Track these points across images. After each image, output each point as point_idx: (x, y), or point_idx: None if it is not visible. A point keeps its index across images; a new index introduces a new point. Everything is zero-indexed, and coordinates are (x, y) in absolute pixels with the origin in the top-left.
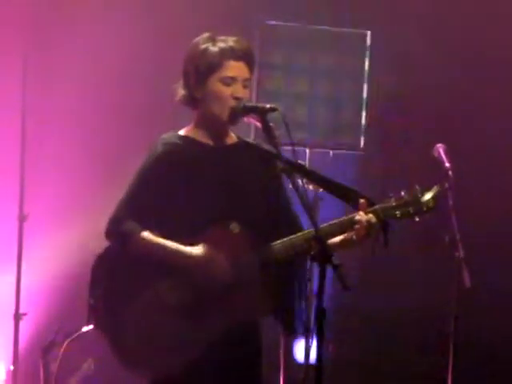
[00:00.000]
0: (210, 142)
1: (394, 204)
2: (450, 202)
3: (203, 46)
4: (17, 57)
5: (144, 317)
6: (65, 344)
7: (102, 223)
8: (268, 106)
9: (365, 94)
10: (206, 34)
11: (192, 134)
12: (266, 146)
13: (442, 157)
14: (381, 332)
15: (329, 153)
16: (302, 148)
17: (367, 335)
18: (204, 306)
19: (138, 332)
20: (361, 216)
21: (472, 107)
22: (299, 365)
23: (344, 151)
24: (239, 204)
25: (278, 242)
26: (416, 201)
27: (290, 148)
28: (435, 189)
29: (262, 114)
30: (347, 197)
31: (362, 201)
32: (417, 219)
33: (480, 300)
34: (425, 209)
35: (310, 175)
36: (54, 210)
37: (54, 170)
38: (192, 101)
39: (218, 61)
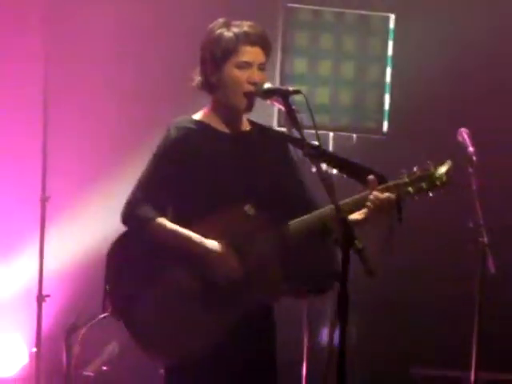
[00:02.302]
0: (224, 128)
1: (406, 180)
2: (474, 187)
3: (218, 32)
4: (39, 37)
5: (159, 303)
6: (88, 326)
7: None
8: (291, 88)
9: (388, 78)
10: (220, 20)
11: (206, 119)
12: (280, 130)
13: (465, 141)
14: (405, 318)
15: (352, 137)
16: (325, 131)
17: (391, 320)
18: (218, 294)
19: (154, 318)
20: (373, 194)
21: (496, 91)
22: (323, 348)
23: (367, 135)
24: (253, 190)
25: (295, 221)
26: (429, 176)
27: (312, 131)
28: (448, 163)
29: (284, 96)
30: (361, 176)
31: (371, 177)
32: (430, 194)
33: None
34: (438, 183)
35: (325, 156)
36: (75, 193)
37: (76, 152)
38: (208, 86)
39: (232, 46)
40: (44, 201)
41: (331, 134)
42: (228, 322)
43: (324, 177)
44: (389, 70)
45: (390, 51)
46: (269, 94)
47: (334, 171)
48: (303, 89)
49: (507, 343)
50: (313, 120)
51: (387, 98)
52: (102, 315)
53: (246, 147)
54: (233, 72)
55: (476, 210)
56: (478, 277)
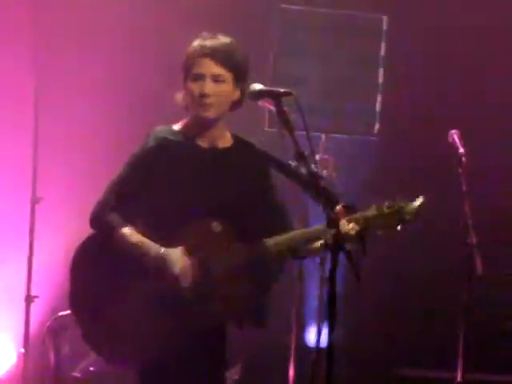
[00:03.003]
0: (202, 142)
1: (375, 213)
2: (464, 188)
3: (191, 45)
4: (28, 37)
5: (117, 309)
6: (74, 327)
7: None
8: (282, 90)
9: (380, 79)
10: (201, 34)
11: (186, 130)
12: (262, 149)
13: (456, 142)
14: (392, 318)
15: (343, 138)
16: (317, 133)
17: (378, 321)
18: (172, 308)
19: (111, 323)
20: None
21: (488, 93)
22: (310, 349)
23: (359, 136)
24: (223, 207)
25: (269, 240)
26: (399, 210)
27: (304, 132)
28: (420, 199)
29: (276, 98)
30: (329, 202)
31: (339, 207)
32: (398, 228)
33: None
34: (407, 218)
35: (295, 176)
36: (66, 194)
37: (67, 153)
38: (185, 101)
39: (189, 59)
40: (34, 202)
41: (323, 136)
42: (180, 333)
43: (316, 178)
44: (381, 71)
45: (382, 52)
46: (260, 95)
47: (325, 172)
48: (295, 90)
49: (494, 344)
50: (304, 121)
51: (379, 100)
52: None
53: (222, 164)
54: (188, 85)
55: (465, 211)
56: (465, 277)
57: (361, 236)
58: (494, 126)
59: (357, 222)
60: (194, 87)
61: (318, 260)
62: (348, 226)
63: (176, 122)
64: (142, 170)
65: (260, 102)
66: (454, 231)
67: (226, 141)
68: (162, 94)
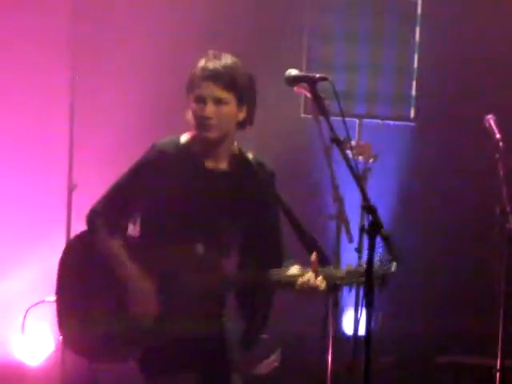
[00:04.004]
0: (205, 161)
1: (344, 272)
2: (501, 173)
3: (190, 70)
4: (66, 25)
5: (94, 305)
6: None
7: None
8: (318, 75)
9: (415, 64)
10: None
11: (191, 145)
12: (267, 167)
13: (492, 128)
14: (430, 305)
15: (379, 123)
16: (352, 118)
17: (416, 309)
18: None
19: (86, 318)
20: (307, 275)
21: None
22: (348, 337)
23: (394, 121)
24: (213, 229)
25: (256, 271)
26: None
27: (339, 118)
28: (393, 265)
29: (311, 83)
30: (308, 247)
31: (314, 257)
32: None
33: None
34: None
35: (291, 217)
36: (102, 182)
37: (102, 141)
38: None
39: (191, 81)
40: (71, 189)
41: (358, 121)
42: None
43: (351, 163)
44: (416, 56)
45: (417, 37)
46: (295, 81)
47: (361, 158)
48: (330, 75)
49: None
50: (339, 107)
51: (414, 85)
52: None
53: (220, 186)
54: (192, 106)
55: (503, 196)
56: (503, 263)
57: (329, 289)
58: None
59: (324, 277)
60: (196, 109)
61: (355, 246)
62: (316, 280)
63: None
64: (140, 181)
65: (296, 88)
66: (491, 217)
67: (230, 161)
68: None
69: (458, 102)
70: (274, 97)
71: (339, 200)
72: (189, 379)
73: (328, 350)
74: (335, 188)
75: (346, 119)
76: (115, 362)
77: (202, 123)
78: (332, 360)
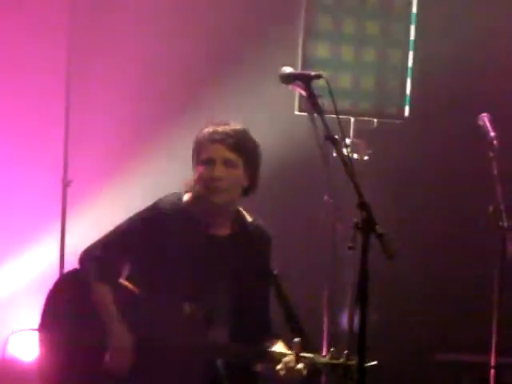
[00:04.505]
0: (206, 226)
1: (327, 360)
2: (495, 172)
3: (196, 136)
4: (63, 20)
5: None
6: None
7: (146, 190)
8: (313, 73)
9: (410, 63)
10: (211, 121)
11: (192, 208)
12: (265, 233)
13: (487, 126)
14: (426, 302)
15: (372, 121)
16: (347, 116)
17: (412, 307)
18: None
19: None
20: (287, 359)
21: None
22: (343, 334)
23: (388, 120)
24: (206, 292)
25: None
26: (346, 366)
27: (334, 116)
28: (372, 363)
29: (306, 81)
30: (292, 328)
31: (297, 341)
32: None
33: None
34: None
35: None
36: (97, 177)
37: (98, 136)
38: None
39: (198, 146)
40: (66, 184)
41: (352, 119)
42: None
43: (345, 160)
44: (411, 55)
45: (412, 35)
46: (290, 78)
47: (356, 155)
48: (325, 73)
49: None
50: (334, 105)
51: (409, 83)
52: None
53: (217, 251)
54: (198, 169)
55: (497, 195)
56: (497, 261)
57: (310, 374)
58: None
59: (306, 363)
60: (205, 171)
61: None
62: (294, 368)
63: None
64: (136, 235)
65: (290, 86)
66: (485, 215)
67: (230, 227)
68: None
69: (453, 101)
70: (268, 94)
71: (334, 197)
72: None
73: (323, 346)
74: (330, 185)
75: (341, 117)
76: None
77: (210, 186)
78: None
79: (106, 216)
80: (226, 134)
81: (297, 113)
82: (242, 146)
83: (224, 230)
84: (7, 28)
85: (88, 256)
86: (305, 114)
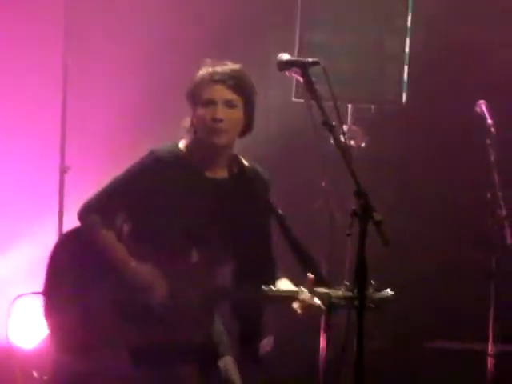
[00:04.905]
0: (204, 170)
1: (340, 294)
2: (492, 159)
3: (197, 72)
4: (59, 13)
5: (87, 305)
6: None
7: None
8: (310, 60)
9: (407, 49)
10: (205, 61)
11: (190, 153)
12: (263, 175)
13: (484, 113)
14: (421, 290)
15: (370, 108)
16: (344, 103)
17: (408, 294)
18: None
19: (79, 316)
20: (303, 295)
21: None
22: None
23: (386, 106)
24: (209, 237)
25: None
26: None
27: (331, 103)
28: (388, 293)
29: (303, 67)
30: (305, 265)
31: (310, 276)
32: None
33: None
34: (370, 306)
35: (285, 230)
36: (95, 164)
37: (97, 123)
38: (192, 128)
39: (197, 86)
40: (63, 171)
41: (350, 106)
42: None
43: (342, 147)
44: (408, 41)
45: (409, 22)
46: (287, 65)
47: (352, 143)
48: (322, 60)
49: None
50: (331, 91)
51: (406, 69)
52: None
53: (218, 195)
54: (199, 110)
55: (494, 182)
56: (495, 248)
57: (325, 310)
58: None
59: (321, 297)
60: (206, 113)
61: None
62: (310, 301)
63: None
64: (135, 186)
65: (287, 72)
66: (482, 202)
67: (228, 170)
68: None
69: (450, 87)
70: (265, 81)
71: (331, 184)
72: (186, 371)
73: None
74: (326, 172)
75: (338, 104)
76: (108, 357)
77: (211, 127)
78: (325, 346)
79: None
80: (227, 75)
81: (294, 99)
82: (242, 86)
83: (222, 173)
84: (4, 16)
85: (88, 209)
86: (302, 100)
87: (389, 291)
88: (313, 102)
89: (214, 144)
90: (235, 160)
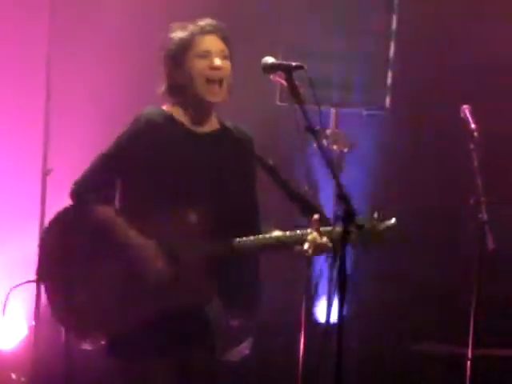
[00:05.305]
0: (192, 126)
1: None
2: (475, 164)
3: (174, 33)
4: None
5: (90, 283)
6: None
7: None
8: (294, 63)
9: (391, 53)
10: (176, 24)
11: (177, 114)
12: (247, 132)
13: (467, 118)
14: (404, 294)
15: (355, 111)
16: (327, 107)
17: (388, 297)
18: (144, 287)
19: (79, 295)
20: (312, 236)
21: (500, 67)
22: (320, 325)
23: (370, 110)
24: (209, 192)
25: (246, 239)
26: (370, 228)
27: (315, 107)
28: (392, 222)
29: (287, 71)
30: (307, 211)
31: (315, 217)
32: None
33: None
34: (376, 239)
35: (279, 180)
36: (77, 167)
37: (79, 125)
38: (176, 87)
39: (188, 40)
40: (45, 173)
41: (333, 110)
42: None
43: (325, 152)
44: (392, 45)
45: (394, 25)
46: (272, 68)
47: (335, 147)
48: (306, 63)
49: (505, 320)
50: (315, 95)
51: (390, 73)
52: None
53: (210, 148)
54: (194, 63)
55: (477, 187)
56: (476, 253)
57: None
58: (507, 101)
59: (328, 235)
60: (201, 63)
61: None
62: (319, 240)
63: None
64: (128, 152)
65: (272, 76)
66: (465, 207)
67: (213, 124)
68: None
69: (434, 91)
70: (249, 84)
71: (313, 188)
72: (163, 365)
73: (300, 338)
74: (309, 176)
75: (322, 107)
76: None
77: (210, 77)
78: (304, 347)
79: None
80: (216, 26)
81: (278, 103)
82: (229, 38)
83: (208, 127)
84: None
85: (80, 186)
86: (286, 104)
87: (393, 220)
88: (296, 106)
89: (210, 93)
90: (218, 118)
